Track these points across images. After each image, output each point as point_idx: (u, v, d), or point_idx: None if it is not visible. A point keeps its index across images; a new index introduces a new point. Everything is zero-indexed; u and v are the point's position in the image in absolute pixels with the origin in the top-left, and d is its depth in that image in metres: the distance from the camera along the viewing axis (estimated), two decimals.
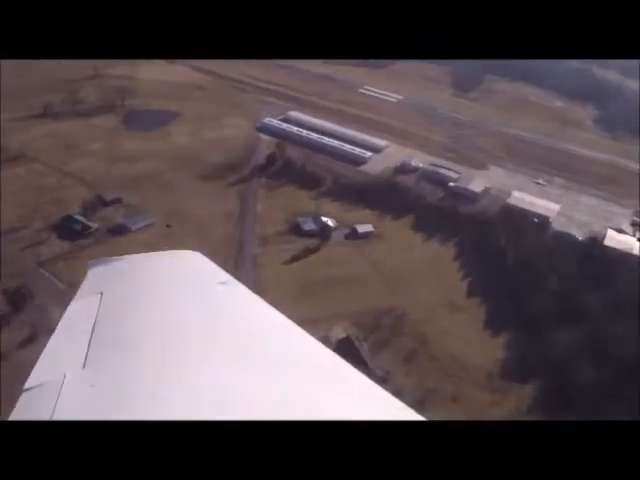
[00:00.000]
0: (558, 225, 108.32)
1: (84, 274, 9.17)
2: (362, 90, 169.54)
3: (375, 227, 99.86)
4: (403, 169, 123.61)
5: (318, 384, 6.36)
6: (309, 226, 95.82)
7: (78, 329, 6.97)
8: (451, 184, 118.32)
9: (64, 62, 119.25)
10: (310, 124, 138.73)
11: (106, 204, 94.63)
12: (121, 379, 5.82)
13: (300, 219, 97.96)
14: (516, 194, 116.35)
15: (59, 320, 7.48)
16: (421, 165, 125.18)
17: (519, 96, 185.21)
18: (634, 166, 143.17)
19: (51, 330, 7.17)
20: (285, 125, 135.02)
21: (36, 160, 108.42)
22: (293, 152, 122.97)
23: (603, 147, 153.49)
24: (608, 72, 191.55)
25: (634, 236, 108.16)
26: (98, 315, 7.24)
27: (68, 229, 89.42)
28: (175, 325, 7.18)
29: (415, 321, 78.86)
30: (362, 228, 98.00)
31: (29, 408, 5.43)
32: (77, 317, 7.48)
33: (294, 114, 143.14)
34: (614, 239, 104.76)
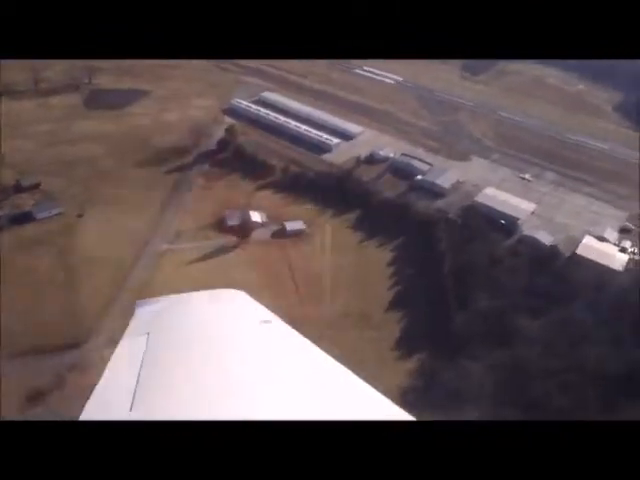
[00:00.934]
0: (527, 228, 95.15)
1: None
2: (359, 71, 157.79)
3: (310, 225, 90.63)
4: (371, 159, 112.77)
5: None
6: (234, 221, 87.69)
7: (126, 371, 7.45)
8: (418, 177, 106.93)
9: None
10: (284, 106, 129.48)
11: (21, 190, 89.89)
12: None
13: (228, 213, 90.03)
14: (487, 191, 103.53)
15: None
16: (392, 155, 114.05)
17: (535, 78, 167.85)
18: None
19: None
20: (254, 107, 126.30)
21: None
22: (254, 137, 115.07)
23: (619, 139, 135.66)
24: None
25: (617, 245, 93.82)
26: (145, 357, 7.72)
27: None
28: (218, 365, 7.57)
29: (313, 340, 69.65)
30: (292, 226, 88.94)
31: None
32: (125, 358, 8.00)
33: (269, 95, 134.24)
34: (589, 248, 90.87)
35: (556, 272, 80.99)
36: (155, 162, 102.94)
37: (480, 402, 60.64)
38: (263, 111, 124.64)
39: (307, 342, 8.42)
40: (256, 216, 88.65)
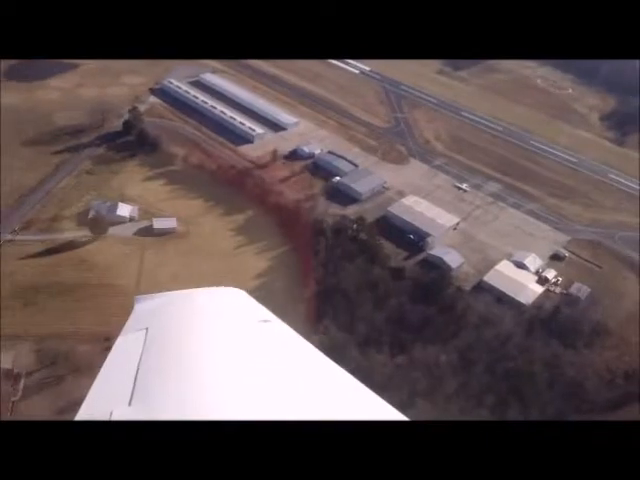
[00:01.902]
0: (438, 246, 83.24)
1: None
2: None
3: (187, 224, 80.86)
4: (292, 155, 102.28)
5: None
6: (97, 214, 78.52)
7: (125, 365, 7.21)
8: (335, 179, 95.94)
9: None
10: (221, 90, 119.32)
11: None
12: (164, 417, 5.88)
13: (96, 204, 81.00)
14: (406, 200, 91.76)
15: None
16: (317, 152, 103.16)
17: (522, 78, 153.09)
18: (623, 181, 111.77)
19: None
20: (184, 89, 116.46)
21: None
22: (172, 121, 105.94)
23: (593, 152, 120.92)
24: None
25: (538, 273, 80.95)
26: (144, 351, 7.50)
27: None
28: (215, 363, 7.36)
29: None
30: (162, 223, 79.10)
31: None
32: (124, 353, 7.78)
33: (209, 77, 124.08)
34: (501, 275, 78.54)
35: (439, 303, 69.48)
36: (47, 141, 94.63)
37: None
38: (192, 94, 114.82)
39: (305, 342, 8.05)
40: (123, 210, 79.22)
